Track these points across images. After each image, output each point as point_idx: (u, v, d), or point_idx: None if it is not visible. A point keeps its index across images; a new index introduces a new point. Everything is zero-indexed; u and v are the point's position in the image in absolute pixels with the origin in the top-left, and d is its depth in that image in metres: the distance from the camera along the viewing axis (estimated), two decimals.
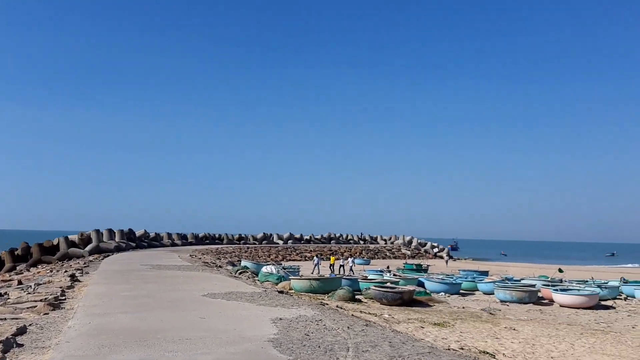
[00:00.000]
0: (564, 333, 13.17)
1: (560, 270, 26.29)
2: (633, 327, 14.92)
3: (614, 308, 19.28)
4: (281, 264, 32.24)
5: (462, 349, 9.18)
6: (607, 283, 23.98)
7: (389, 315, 14.02)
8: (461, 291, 23.54)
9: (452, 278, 25.97)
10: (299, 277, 20.60)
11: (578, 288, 21.00)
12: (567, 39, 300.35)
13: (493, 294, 21.57)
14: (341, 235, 77.06)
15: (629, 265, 75.86)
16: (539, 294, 20.60)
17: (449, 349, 7.58)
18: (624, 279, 25.55)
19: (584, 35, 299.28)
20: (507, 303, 19.67)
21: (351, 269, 35.20)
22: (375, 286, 18.26)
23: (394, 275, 26.11)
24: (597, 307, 19.18)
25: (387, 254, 67.45)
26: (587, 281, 24.61)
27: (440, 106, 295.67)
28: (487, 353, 9.21)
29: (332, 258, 37.41)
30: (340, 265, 36.13)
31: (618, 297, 21.82)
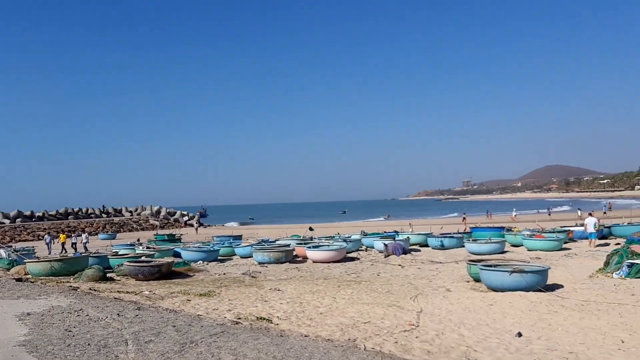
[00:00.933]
0: (324, 288, 14.01)
1: (311, 229, 28.33)
2: (378, 275, 16.74)
3: (359, 259, 21.48)
4: (11, 247, 27.63)
5: (239, 318, 8.87)
6: (350, 237, 26.72)
7: (150, 291, 12.96)
8: (219, 257, 23.50)
9: (209, 245, 25.73)
10: (35, 260, 17.76)
11: (328, 244, 22.81)
12: None
13: (251, 257, 22.01)
14: (80, 209, 70.23)
15: (376, 219, 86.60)
16: (294, 253, 21.80)
17: (237, 323, 7.13)
18: (364, 232, 28.87)
19: None
20: (266, 264, 20.27)
21: (85, 246, 32.08)
22: (129, 262, 16.82)
23: (147, 248, 24.67)
24: (345, 259, 21.12)
25: (135, 226, 64.05)
26: (334, 237, 27.05)
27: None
28: (264, 319, 9.09)
29: (62, 236, 33.16)
30: (73, 243, 32.62)
31: (360, 248, 24.42)
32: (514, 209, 69.35)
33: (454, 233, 26.36)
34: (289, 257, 21.03)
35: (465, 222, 48.33)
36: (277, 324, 8.80)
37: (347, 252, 22.24)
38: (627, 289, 11.85)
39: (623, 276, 13.42)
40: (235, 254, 24.03)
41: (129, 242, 30.58)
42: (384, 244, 21.83)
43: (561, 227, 29.61)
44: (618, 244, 22.92)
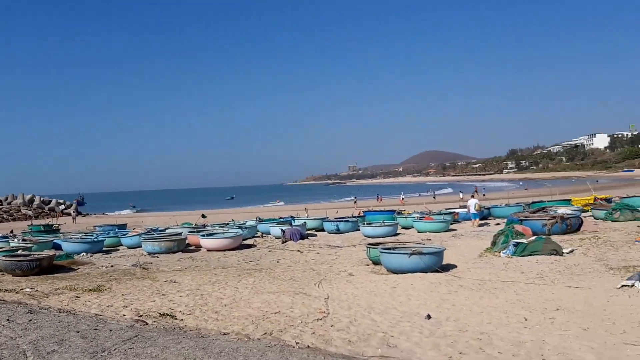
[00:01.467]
0: (224, 277, 13.48)
1: (204, 216, 27.45)
2: (278, 262, 16.51)
3: (255, 246, 21.10)
4: None
5: (140, 316, 8.17)
6: (245, 223, 26.24)
7: (32, 288, 11.66)
8: (104, 248, 21.96)
9: (92, 236, 23.94)
10: None
11: (222, 231, 22.18)
12: None
13: (139, 247, 20.81)
14: None
15: (270, 204, 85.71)
16: (187, 242, 20.93)
17: (144, 323, 6.48)
18: (259, 218, 28.50)
19: None
20: (157, 255, 19.24)
21: None
22: (3, 256, 15.08)
23: (23, 240, 22.38)
24: (241, 247, 20.64)
25: (5, 216, 58.32)
26: (228, 224, 26.37)
27: None
28: (167, 315, 8.46)
29: None
30: None
31: (256, 235, 24.06)
32: (402, 193, 72.48)
33: (348, 217, 26.86)
34: (182, 246, 20.17)
35: (356, 206, 49.70)
36: (182, 319, 8.23)
37: (243, 239, 21.78)
38: (516, 267, 12.66)
39: (510, 255, 14.34)
40: (122, 245, 22.58)
41: (0, 235, 27.62)
42: (281, 229, 21.65)
43: (446, 209, 31.37)
44: (498, 224, 24.78)
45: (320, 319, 8.35)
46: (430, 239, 20.16)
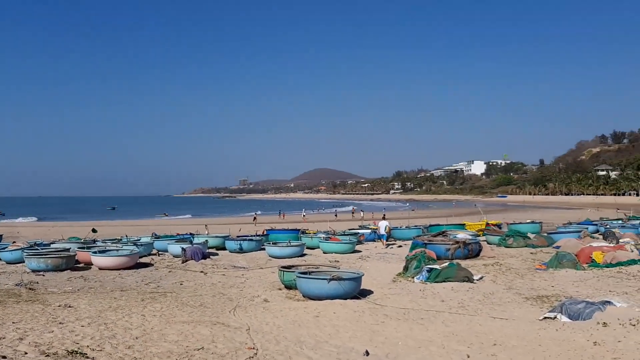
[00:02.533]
0: (125, 302, 12.22)
1: (94, 230, 25.30)
2: (181, 284, 15.38)
3: (153, 265, 19.66)
4: None
5: (47, 355, 6.98)
6: (140, 240, 24.49)
7: None
8: None
9: None
10: None
11: (116, 248, 20.49)
12: None
13: (22, 262, 18.60)
14: None
15: (156, 217, 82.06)
16: (76, 258, 19.08)
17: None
18: (156, 234, 26.77)
19: None
20: (42, 272, 17.25)
21: None
22: None
23: None
24: (138, 266, 19.12)
25: None
26: (121, 239, 24.46)
27: None
28: (77, 352, 7.30)
29: None
30: None
31: (152, 253, 22.50)
32: (304, 210, 72.50)
33: (252, 235, 26.12)
34: (71, 264, 18.31)
35: (256, 222, 48.89)
36: (93, 358, 7.14)
37: (139, 257, 20.25)
38: (434, 295, 12.74)
39: (423, 281, 14.48)
40: (0, 259, 20.06)
41: None
42: (182, 248, 20.41)
43: (350, 229, 31.68)
44: (400, 246, 25.35)
45: (251, 358, 7.66)
46: (337, 261, 20.03)
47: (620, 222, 30.78)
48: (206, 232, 27.78)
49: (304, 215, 63.38)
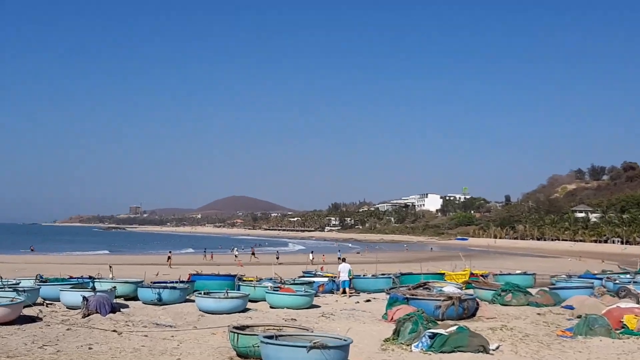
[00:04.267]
0: None
1: None
2: (90, 349, 13.94)
3: (41, 319, 17.87)
4: None
5: None
6: (18, 283, 22.48)
7: None
8: None
9: None
10: None
11: None
12: None
13: None
14: None
15: (21, 252, 78.23)
16: None
17: None
18: (41, 277, 24.60)
19: None
20: None
21: None
22: None
23: None
24: (20, 320, 17.31)
25: None
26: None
27: None
28: None
29: None
30: None
31: (36, 302, 20.72)
32: (234, 248, 70.52)
33: (174, 282, 24.70)
34: None
35: (170, 263, 46.95)
36: None
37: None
38: None
39: (424, 349, 13.78)
40: None
41: None
42: (83, 297, 18.78)
43: (301, 275, 30.83)
44: (369, 300, 24.79)
45: None
46: (295, 319, 19.17)
47: (628, 276, 31.62)
48: (110, 276, 25.94)
49: (236, 256, 61.78)
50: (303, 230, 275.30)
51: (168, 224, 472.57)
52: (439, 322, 15.91)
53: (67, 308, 20.19)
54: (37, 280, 23.70)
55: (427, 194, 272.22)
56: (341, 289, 26.37)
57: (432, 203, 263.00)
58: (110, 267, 26.94)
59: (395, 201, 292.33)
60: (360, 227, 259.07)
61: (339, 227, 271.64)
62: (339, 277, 27.06)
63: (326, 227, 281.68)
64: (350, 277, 26.56)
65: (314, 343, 11.66)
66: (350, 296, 25.50)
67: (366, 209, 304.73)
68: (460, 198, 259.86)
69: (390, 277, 28.88)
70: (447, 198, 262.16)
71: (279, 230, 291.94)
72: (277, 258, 62.06)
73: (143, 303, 22.30)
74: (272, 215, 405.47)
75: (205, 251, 72.35)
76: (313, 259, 59.16)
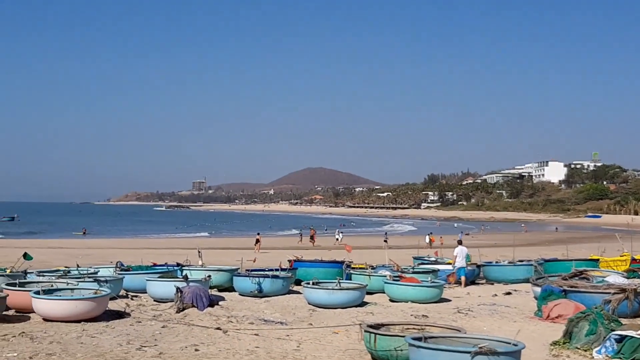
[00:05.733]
0: None
1: (28, 256, 23.94)
2: (197, 351, 13.94)
3: (129, 315, 18.20)
4: None
5: None
6: (98, 272, 23.14)
7: None
8: None
9: None
10: None
11: (68, 285, 19.12)
12: None
13: None
14: None
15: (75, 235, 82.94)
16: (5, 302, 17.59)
17: None
18: (121, 264, 25.23)
19: None
20: None
21: None
22: None
23: None
24: (107, 315, 17.65)
25: None
26: (68, 271, 23.15)
27: None
28: None
29: None
30: None
31: (120, 294, 21.13)
32: (338, 230, 70.75)
33: (274, 269, 24.78)
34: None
35: (258, 247, 47.55)
36: None
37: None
38: None
39: (609, 355, 13.04)
40: None
41: None
42: (177, 288, 19.01)
43: (419, 261, 30.47)
44: (509, 292, 24.12)
45: None
46: (426, 316, 18.81)
47: None
48: (200, 263, 26.16)
49: (337, 239, 61.83)
50: (395, 208, 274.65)
51: (237, 201, 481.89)
52: (624, 322, 15.00)
53: (154, 301, 20.69)
54: (117, 269, 24.27)
55: (547, 162, 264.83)
56: (456, 278, 26.58)
57: (554, 173, 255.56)
58: (199, 252, 27.12)
59: (507, 171, 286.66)
60: (465, 203, 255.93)
61: (439, 204, 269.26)
62: (454, 263, 27.19)
63: (422, 204, 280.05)
64: (468, 263, 27.00)
65: (480, 347, 11.17)
66: (465, 286, 25.99)
67: (470, 181, 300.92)
68: (589, 166, 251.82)
69: (531, 264, 27.98)
70: (573, 166, 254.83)
71: (365, 207, 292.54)
72: (386, 241, 61.87)
73: (240, 294, 22.60)
74: (357, 190, 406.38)
75: (301, 232, 72.94)
76: (432, 241, 59.09)
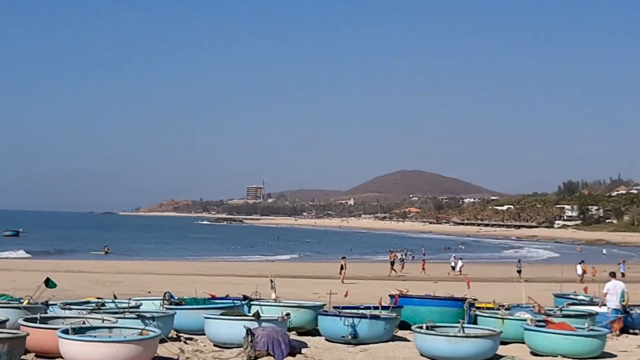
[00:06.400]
0: None
1: (51, 283, 24.43)
2: None
3: None
4: None
5: None
6: (140, 306, 23.37)
7: None
8: None
9: None
10: None
11: (106, 322, 19.35)
12: None
13: None
14: None
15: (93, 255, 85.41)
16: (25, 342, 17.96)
17: None
18: (170, 296, 25.44)
19: None
20: None
21: None
22: None
23: None
24: None
25: None
26: (102, 304, 23.37)
27: None
28: None
29: None
30: None
31: (169, 335, 21.38)
32: (453, 257, 70.91)
33: (373, 306, 24.74)
34: (16, 355, 17.03)
35: (344, 275, 47.77)
36: None
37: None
38: None
39: None
40: None
41: None
42: (248, 329, 19.12)
43: (570, 304, 29.87)
44: None
45: None
46: None
47: None
48: (273, 296, 26.11)
49: (454, 267, 62.21)
50: (519, 226, 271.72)
51: (304, 213, 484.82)
52: None
53: (215, 346, 20.82)
54: (165, 302, 24.32)
55: None
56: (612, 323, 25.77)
57: None
58: (272, 281, 27.02)
59: None
60: (615, 221, 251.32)
61: (579, 221, 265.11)
62: (602, 302, 27.14)
63: (556, 221, 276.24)
64: (624, 302, 26.38)
65: None
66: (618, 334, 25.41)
67: (623, 191, 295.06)
68: None
69: None
70: None
71: (479, 225, 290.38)
72: (519, 271, 61.12)
73: (327, 340, 22.55)
74: (466, 201, 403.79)
75: (403, 257, 73.02)
76: (584, 272, 58.54)
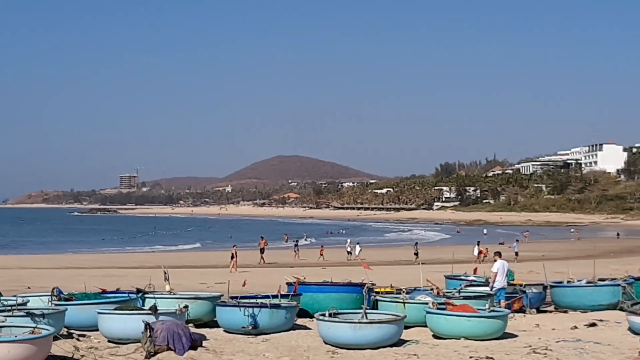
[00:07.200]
0: None
1: None
2: None
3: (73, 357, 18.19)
4: None
5: None
6: (27, 302, 22.61)
7: None
8: None
9: None
10: None
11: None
12: None
13: None
14: None
15: None
16: None
17: None
18: (59, 292, 24.69)
19: None
20: None
21: None
22: None
23: None
24: None
25: None
26: None
27: None
28: None
29: None
30: None
31: (60, 332, 20.81)
32: (351, 241, 70.99)
33: (272, 295, 24.53)
34: None
35: (235, 264, 47.68)
36: None
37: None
38: None
39: None
40: None
41: None
42: (146, 323, 18.72)
43: (468, 279, 30.35)
44: (593, 324, 23.99)
45: None
46: (492, 358, 18.57)
47: None
48: (167, 288, 25.57)
49: (350, 252, 64.76)
50: (398, 209, 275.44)
51: (181, 202, 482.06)
52: None
53: (109, 342, 20.37)
54: (54, 297, 23.62)
55: (600, 145, 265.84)
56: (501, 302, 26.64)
57: (610, 159, 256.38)
58: (166, 272, 26.49)
59: (547, 158, 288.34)
60: (492, 201, 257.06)
61: (457, 202, 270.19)
62: (492, 283, 27.45)
63: (435, 203, 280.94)
64: (510, 282, 27.79)
65: None
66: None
67: (499, 171, 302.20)
68: None
69: (617, 285, 27.84)
70: (635, 150, 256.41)
71: (359, 209, 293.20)
72: (416, 254, 61.24)
73: (226, 331, 22.38)
74: (345, 185, 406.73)
75: (296, 245, 73.23)
76: (479, 255, 59.95)
